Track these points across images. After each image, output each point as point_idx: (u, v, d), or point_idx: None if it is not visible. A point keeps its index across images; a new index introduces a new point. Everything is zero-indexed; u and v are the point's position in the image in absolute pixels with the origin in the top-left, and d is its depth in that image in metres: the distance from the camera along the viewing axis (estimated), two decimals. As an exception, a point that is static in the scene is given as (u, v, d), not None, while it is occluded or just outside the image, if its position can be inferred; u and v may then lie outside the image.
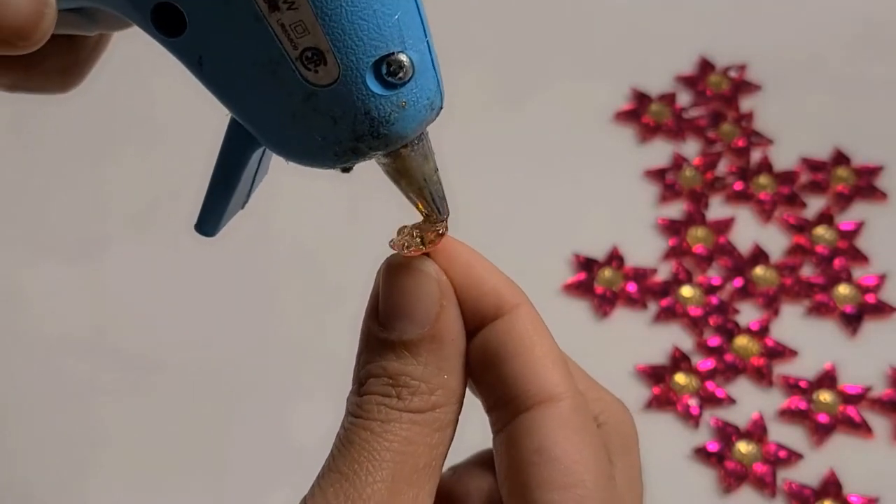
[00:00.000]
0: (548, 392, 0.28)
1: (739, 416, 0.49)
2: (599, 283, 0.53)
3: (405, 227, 0.28)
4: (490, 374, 0.28)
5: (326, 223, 0.54)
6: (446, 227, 0.28)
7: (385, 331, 0.27)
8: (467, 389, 0.29)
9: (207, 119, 0.29)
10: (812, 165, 0.57)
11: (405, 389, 0.27)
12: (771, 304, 0.52)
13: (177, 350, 0.51)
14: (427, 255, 0.27)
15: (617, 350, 0.51)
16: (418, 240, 0.28)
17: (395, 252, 0.28)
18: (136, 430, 0.49)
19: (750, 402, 0.49)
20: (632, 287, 0.53)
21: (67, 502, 0.47)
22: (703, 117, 0.60)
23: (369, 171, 0.27)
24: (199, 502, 0.47)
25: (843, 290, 0.52)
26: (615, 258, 0.54)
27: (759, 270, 0.53)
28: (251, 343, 0.52)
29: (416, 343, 0.27)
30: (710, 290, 0.53)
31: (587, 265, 0.53)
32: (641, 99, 0.61)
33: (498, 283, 0.29)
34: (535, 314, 0.29)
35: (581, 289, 0.53)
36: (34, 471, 0.48)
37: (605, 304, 0.52)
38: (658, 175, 0.57)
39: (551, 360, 0.28)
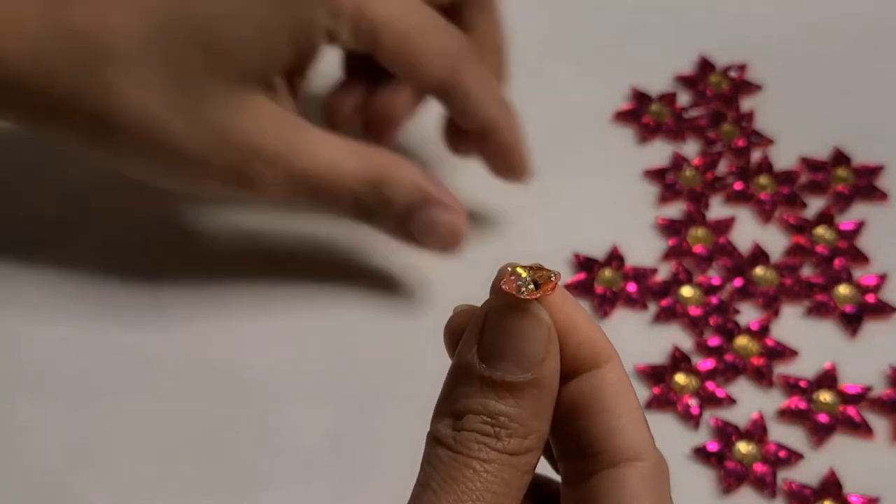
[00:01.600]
0: (635, 451, 0.28)
1: (739, 416, 0.49)
2: (599, 283, 0.53)
3: (512, 266, 0.28)
4: (577, 423, 0.29)
5: (326, 225, 0.54)
6: (559, 275, 0.28)
7: (489, 369, 0.27)
8: None
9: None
10: (812, 165, 0.57)
11: (504, 430, 0.27)
12: (771, 304, 0.52)
13: (176, 346, 0.51)
14: (538, 300, 0.28)
15: (617, 350, 0.51)
16: (532, 285, 0.28)
17: (501, 292, 0.28)
18: (133, 427, 0.49)
19: (750, 402, 0.49)
20: (632, 287, 0.53)
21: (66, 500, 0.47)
22: (703, 117, 0.60)
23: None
24: (196, 500, 0.47)
25: (843, 290, 0.52)
26: (615, 258, 0.54)
27: (759, 270, 0.53)
28: (251, 341, 0.52)
29: (519, 386, 0.27)
30: (710, 290, 0.53)
31: (587, 265, 0.53)
32: (641, 99, 0.61)
33: (595, 335, 0.29)
34: (624, 370, 0.29)
35: (581, 289, 0.53)
36: (35, 467, 0.48)
37: (605, 304, 0.52)
38: (658, 175, 0.57)
39: (638, 417, 0.29)
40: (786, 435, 0.48)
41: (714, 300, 0.52)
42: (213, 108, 0.45)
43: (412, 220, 0.48)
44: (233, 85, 0.45)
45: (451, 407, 0.27)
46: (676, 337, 0.51)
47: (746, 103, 0.60)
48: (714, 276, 0.53)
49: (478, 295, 0.29)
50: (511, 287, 0.27)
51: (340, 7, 0.46)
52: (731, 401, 0.49)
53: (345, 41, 0.47)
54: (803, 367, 0.50)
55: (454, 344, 0.29)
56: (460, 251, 0.49)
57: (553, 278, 0.28)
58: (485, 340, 0.27)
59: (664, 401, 0.49)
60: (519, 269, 0.28)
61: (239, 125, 0.45)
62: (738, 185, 0.57)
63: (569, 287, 0.52)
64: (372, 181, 0.47)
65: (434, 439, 0.27)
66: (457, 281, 0.52)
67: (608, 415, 0.28)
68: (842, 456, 0.47)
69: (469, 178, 0.54)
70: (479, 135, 0.50)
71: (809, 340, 0.51)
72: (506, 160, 0.51)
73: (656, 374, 0.50)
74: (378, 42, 0.47)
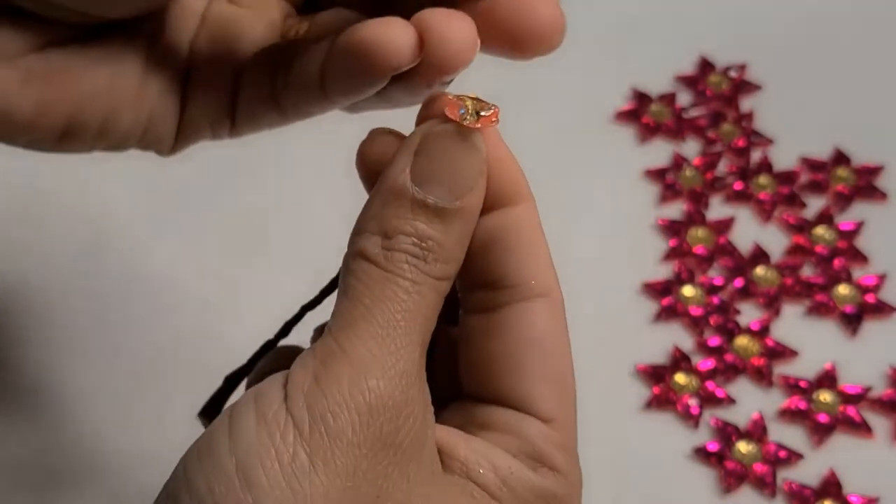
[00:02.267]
0: (547, 287, 0.29)
1: (739, 416, 0.49)
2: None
3: (455, 96, 0.28)
4: (490, 256, 0.29)
5: (325, 226, 0.54)
6: (498, 109, 0.28)
7: (422, 192, 0.27)
8: None
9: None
10: (812, 165, 0.57)
11: (431, 254, 0.27)
12: (771, 304, 0.52)
13: (175, 342, 0.51)
14: (479, 129, 0.28)
15: (617, 350, 0.51)
16: (475, 114, 0.28)
17: (436, 118, 0.28)
18: (133, 423, 0.49)
19: (750, 402, 0.49)
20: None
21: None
22: (703, 117, 0.60)
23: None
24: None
25: (843, 290, 0.52)
26: (615, 258, 0.54)
27: (759, 270, 0.53)
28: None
29: (449, 213, 0.28)
30: (711, 290, 0.53)
31: (587, 265, 0.54)
32: (641, 99, 0.61)
33: (516, 173, 0.30)
34: (537, 212, 0.30)
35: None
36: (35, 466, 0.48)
37: (605, 304, 0.52)
38: (658, 175, 0.57)
39: (548, 257, 0.30)
40: (786, 435, 0.48)
41: (715, 300, 0.52)
42: None
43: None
44: None
45: (379, 226, 0.28)
46: (677, 337, 0.51)
47: (746, 103, 0.60)
48: (715, 276, 0.53)
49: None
50: (454, 114, 0.28)
51: None
52: (731, 401, 0.49)
53: None
54: (803, 367, 0.50)
55: (367, 166, 0.29)
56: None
57: (494, 109, 0.28)
58: (419, 164, 0.28)
59: (664, 401, 0.49)
60: (464, 98, 0.28)
61: None
62: (738, 185, 0.57)
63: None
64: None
65: (361, 255, 0.28)
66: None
67: (523, 252, 0.29)
68: (842, 456, 0.47)
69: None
70: None
71: (809, 340, 0.51)
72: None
73: (656, 374, 0.50)
74: None
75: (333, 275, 0.32)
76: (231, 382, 0.34)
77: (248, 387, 0.33)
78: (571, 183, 0.57)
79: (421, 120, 0.29)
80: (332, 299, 0.29)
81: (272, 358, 0.34)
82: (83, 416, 0.49)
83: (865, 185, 0.57)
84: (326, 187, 0.54)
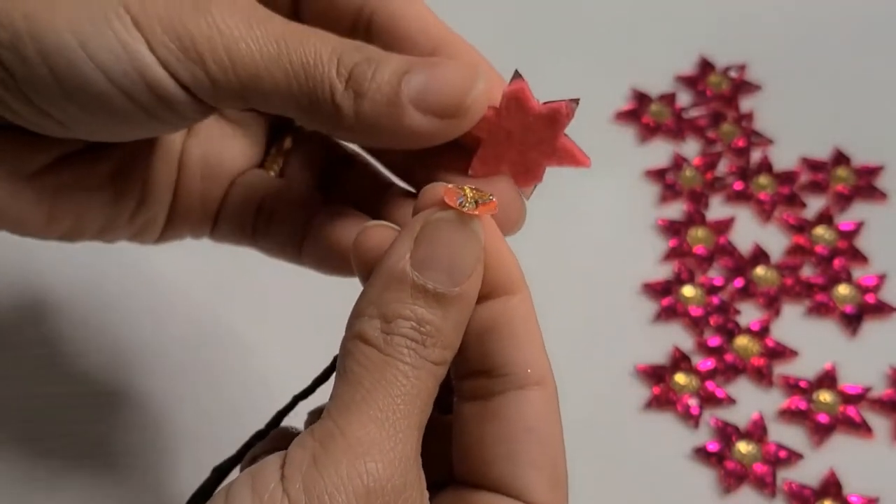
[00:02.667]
0: (542, 376, 0.30)
1: (739, 416, 0.49)
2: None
3: (454, 185, 0.29)
4: (487, 345, 0.30)
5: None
6: (495, 200, 0.29)
7: (422, 278, 0.28)
8: None
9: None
10: (812, 165, 0.57)
11: (429, 339, 0.28)
12: (772, 304, 0.52)
13: (174, 346, 0.51)
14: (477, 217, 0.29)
15: (617, 350, 0.51)
16: (473, 202, 0.29)
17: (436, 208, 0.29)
18: (134, 424, 0.49)
19: (750, 402, 0.49)
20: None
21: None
22: (703, 117, 0.60)
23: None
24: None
25: (843, 290, 0.52)
26: (615, 258, 0.54)
27: (759, 270, 0.53)
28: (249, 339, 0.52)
29: (448, 299, 0.28)
30: (711, 290, 0.53)
31: (587, 265, 0.54)
32: (641, 99, 0.61)
33: (512, 264, 0.30)
34: (532, 304, 0.31)
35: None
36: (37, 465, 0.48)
37: (605, 304, 0.52)
38: (658, 175, 0.57)
39: (542, 347, 0.30)
40: (786, 435, 0.48)
41: (715, 300, 0.52)
42: None
43: (399, 96, 0.31)
44: None
45: (379, 310, 0.28)
46: (677, 337, 0.51)
47: (746, 103, 0.60)
48: (715, 276, 0.53)
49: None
50: (453, 202, 0.29)
51: None
52: (731, 401, 0.49)
53: None
54: (803, 367, 0.50)
55: (363, 255, 0.30)
56: (471, 121, 0.32)
57: (493, 199, 0.29)
58: (420, 250, 0.28)
59: (664, 401, 0.49)
60: (464, 188, 0.29)
61: None
62: (738, 185, 0.57)
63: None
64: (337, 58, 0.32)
65: (360, 339, 0.28)
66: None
67: (519, 341, 0.30)
68: (842, 456, 0.47)
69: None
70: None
71: (809, 340, 0.51)
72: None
73: (656, 374, 0.50)
74: None
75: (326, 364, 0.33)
76: (220, 473, 0.34)
77: (241, 470, 0.33)
78: (571, 183, 0.57)
79: (419, 208, 0.30)
80: (326, 387, 0.29)
81: (266, 442, 0.34)
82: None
83: (865, 185, 0.57)
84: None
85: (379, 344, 0.28)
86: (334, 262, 0.36)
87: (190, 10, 0.30)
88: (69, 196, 0.35)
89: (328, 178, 0.38)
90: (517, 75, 0.32)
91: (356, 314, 0.28)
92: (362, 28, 0.34)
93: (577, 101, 0.31)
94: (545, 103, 0.32)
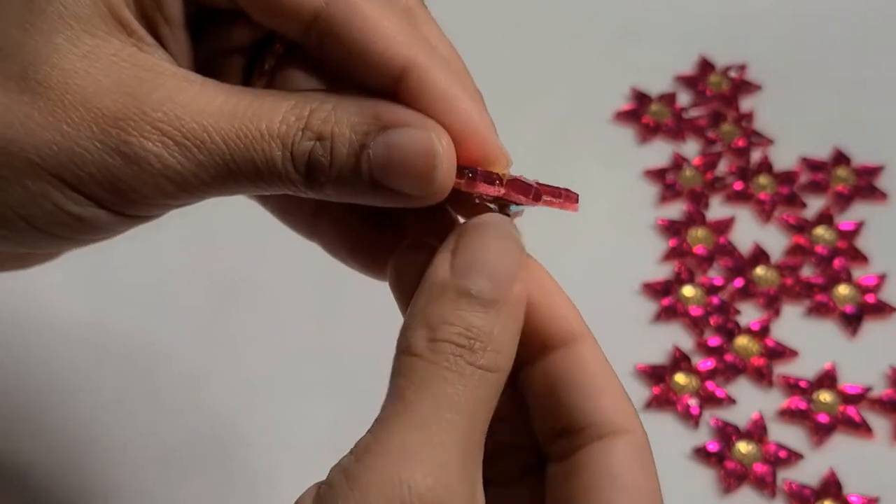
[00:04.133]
0: (621, 424, 0.28)
1: (739, 416, 0.49)
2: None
3: (479, 198, 0.30)
4: (560, 399, 0.28)
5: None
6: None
7: (464, 282, 0.27)
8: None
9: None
10: (812, 165, 0.57)
11: (478, 343, 0.27)
12: (771, 304, 0.52)
13: (181, 347, 0.51)
14: (509, 216, 0.29)
15: (617, 350, 0.51)
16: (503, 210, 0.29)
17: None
18: (139, 424, 0.49)
19: (750, 402, 0.49)
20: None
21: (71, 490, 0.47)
22: (703, 117, 0.60)
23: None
24: (202, 496, 0.47)
25: (843, 290, 0.52)
26: (615, 258, 0.54)
27: (759, 270, 0.53)
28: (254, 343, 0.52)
29: (491, 302, 0.27)
30: (711, 290, 0.53)
31: (587, 265, 0.54)
32: (641, 99, 0.61)
33: (570, 310, 0.29)
34: (599, 347, 0.29)
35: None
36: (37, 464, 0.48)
37: (605, 304, 0.52)
38: (658, 175, 0.57)
39: (621, 392, 0.29)
40: (786, 435, 0.48)
41: (715, 300, 0.52)
42: None
43: (363, 160, 0.29)
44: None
45: (425, 320, 0.27)
46: (677, 337, 0.51)
47: (746, 103, 0.60)
48: (715, 276, 0.53)
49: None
50: (485, 209, 0.29)
51: None
52: (731, 401, 0.49)
53: None
54: (803, 367, 0.50)
55: (400, 281, 0.29)
56: (443, 188, 0.29)
57: (521, 210, 0.29)
58: (459, 258, 0.28)
59: (664, 401, 0.49)
60: (488, 199, 0.29)
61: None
62: (738, 185, 0.57)
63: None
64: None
65: (406, 352, 0.27)
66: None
67: (592, 390, 0.29)
68: (842, 456, 0.47)
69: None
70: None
71: (809, 340, 0.51)
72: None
73: (656, 374, 0.50)
74: None
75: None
76: None
77: None
78: (571, 183, 0.57)
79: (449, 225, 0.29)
80: None
81: None
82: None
83: (865, 185, 0.57)
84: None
85: (425, 353, 0.27)
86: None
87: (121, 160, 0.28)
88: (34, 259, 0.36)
89: None
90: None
91: (403, 329, 0.28)
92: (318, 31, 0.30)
93: (575, 196, 0.31)
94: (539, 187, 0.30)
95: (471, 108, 0.29)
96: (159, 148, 0.28)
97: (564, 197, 0.30)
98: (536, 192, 0.29)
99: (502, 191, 0.29)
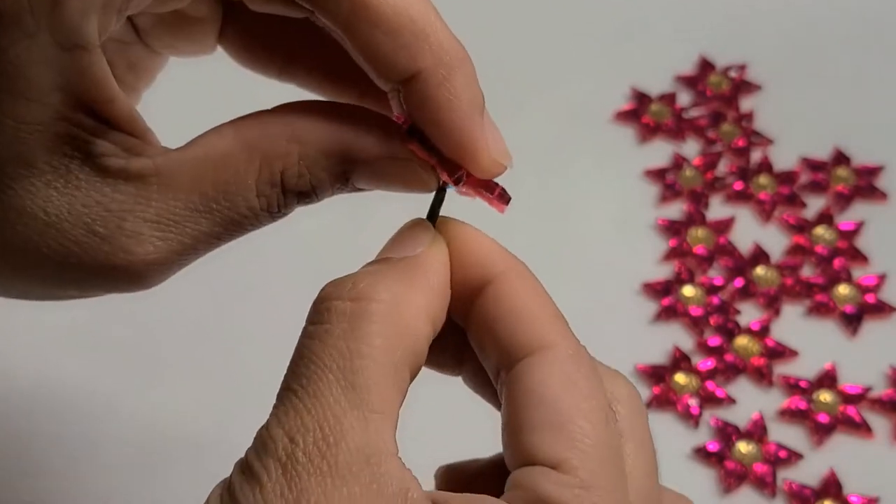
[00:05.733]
0: (539, 342, 0.29)
1: (739, 416, 0.49)
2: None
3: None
4: (489, 336, 0.29)
5: (326, 227, 0.54)
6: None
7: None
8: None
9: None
10: (812, 165, 0.57)
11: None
12: (772, 304, 0.52)
13: (177, 347, 0.51)
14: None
15: (617, 350, 0.51)
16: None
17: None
18: (137, 425, 0.49)
19: (750, 402, 0.49)
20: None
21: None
22: (703, 117, 0.60)
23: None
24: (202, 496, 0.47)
25: (843, 290, 0.52)
26: (615, 258, 0.54)
27: (759, 270, 0.53)
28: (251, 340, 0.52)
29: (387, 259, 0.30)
30: (711, 290, 0.53)
31: (587, 265, 0.54)
32: (641, 99, 0.61)
33: (490, 253, 0.30)
34: (525, 276, 0.30)
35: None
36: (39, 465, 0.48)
37: (605, 304, 0.52)
38: (658, 175, 0.57)
39: (546, 315, 0.29)
40: (786, 435, 0.48)
41: (715, 300, 0.52)
42: None
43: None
44: None
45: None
46: (677, 337, 0.51)
47: (746, 103, 0.60)
48: (715, 276, 0.53)
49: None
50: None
51: None
52: (731, 401, 0.49)
53: None
54: (803, 367, 0.50)
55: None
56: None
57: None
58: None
59: (664, 400, 0.49)
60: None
61: None
62: (738, 185, 0.57)
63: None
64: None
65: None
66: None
67: (510, 317, 0.29)
68: (842, 456, 0.47)
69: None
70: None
71: (809, 340, 0.51)
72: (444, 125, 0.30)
73: (656, 374, 0.50)
74: None
75: None
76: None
77: None
78: (571, 183, 0.57)
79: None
80: None
81: None
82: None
83: (865, 185, 0.57)
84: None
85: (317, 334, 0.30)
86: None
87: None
88: None
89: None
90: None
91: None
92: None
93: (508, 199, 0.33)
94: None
95: (468, 124, 0.30)
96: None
97: (497, 194, 0.32)
98: (461, 176, 0.31)
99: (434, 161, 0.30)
